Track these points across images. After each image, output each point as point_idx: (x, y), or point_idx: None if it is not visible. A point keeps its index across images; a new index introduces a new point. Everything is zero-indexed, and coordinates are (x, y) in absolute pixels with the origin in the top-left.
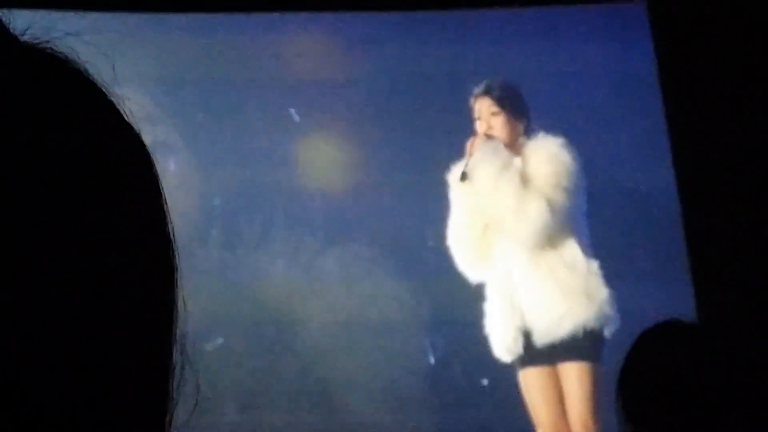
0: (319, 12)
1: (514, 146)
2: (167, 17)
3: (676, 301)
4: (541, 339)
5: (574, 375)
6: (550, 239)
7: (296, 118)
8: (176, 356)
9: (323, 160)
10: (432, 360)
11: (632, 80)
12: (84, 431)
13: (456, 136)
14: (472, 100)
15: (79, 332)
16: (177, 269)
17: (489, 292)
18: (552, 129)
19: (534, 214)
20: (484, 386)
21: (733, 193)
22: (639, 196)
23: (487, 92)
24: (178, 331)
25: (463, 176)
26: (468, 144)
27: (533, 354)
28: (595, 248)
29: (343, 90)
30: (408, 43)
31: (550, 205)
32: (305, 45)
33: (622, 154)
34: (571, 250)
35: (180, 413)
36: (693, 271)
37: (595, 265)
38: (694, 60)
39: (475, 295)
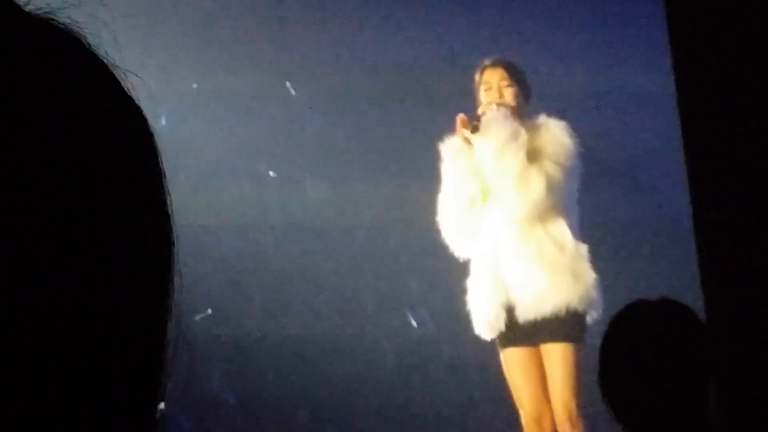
0: None
1: (519, 119)
2: None
3: (682, 285)
4: (523, 315)
5: (556, 355)
6: (543, 216)
7: (292, 92)
8: (171, 328)
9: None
10: (415, 332)
11: (644, 61)
12: (79, 402)
13: (449, 111)
14: (478, 72)
15: (75, 304)
16: (174, 243)
17: (474, 267)
18: (556, 109)
19: (534, 186)
20: (468, 364)
21: (745, 175)
22: (647, 176)
23: (500, 63)
24: (173, 304)
25: (475, 128)
26: (479, 110)
27: (515, 332)
28: (596, 229)
29: (336, 63)
30: (410, 22)
31: (550, 181)
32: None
33: (631, 131)
34: (562, 229)
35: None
36: (700, 258)
37: (584, 248)
38: (709, 42)
39: (460, 270)
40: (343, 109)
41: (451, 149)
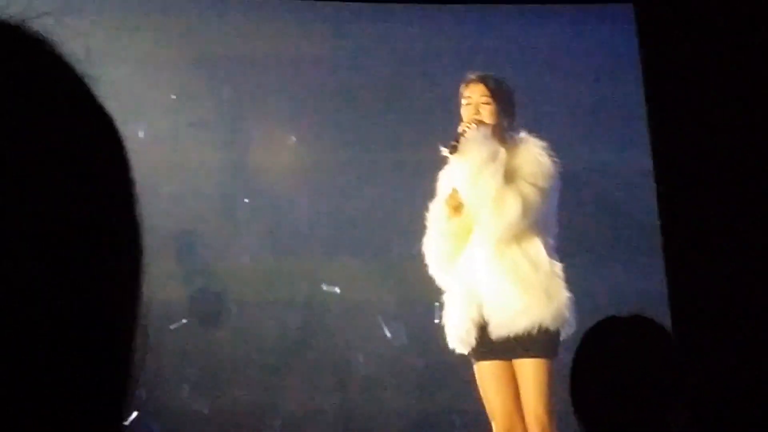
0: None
1: (499, 138)
2: None
3: (650, 295)
4: (496, 332)
5: (529, 370)
6: (519, 236)
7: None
8: (139, 336)
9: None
10: (391, 343)
11: (616, 76)
12: (46, 408)
13: (433, 128)
14: (462, 86)
15: (43, 310)
16: (143, 251)
17: (450, 282)
18: (536, 124)
19: (510, 209)
20: (442, 377)
21: (710, 190)
22: (617, 192)
23: (481, 80)
24: (142, 312)
25: (453, 148)
26: (459, 127)
27: (488, 347)
28: (568, 244)
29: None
30: (392, 34)
31: (526, 203)
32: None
33: (602, 145)
34: (537, 248)
35: (141, 392)
36: (667, 266)
37: (558, 266)
38: (678, 59)
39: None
40: (327, 120)
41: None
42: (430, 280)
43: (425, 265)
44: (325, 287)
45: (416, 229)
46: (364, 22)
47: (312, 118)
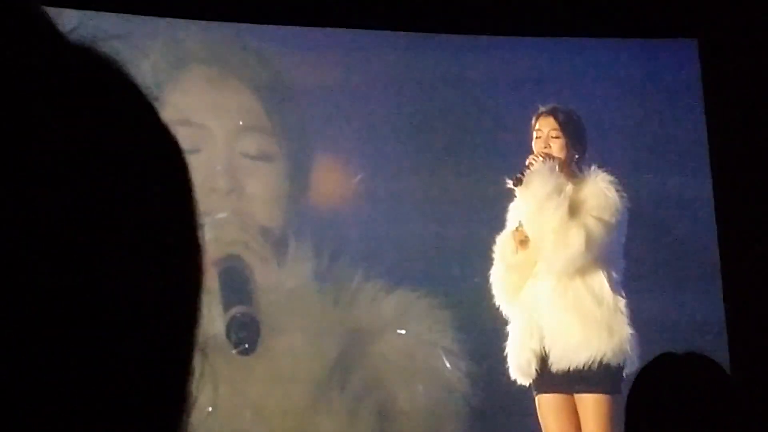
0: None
1: (566, 172)
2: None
3: (709, 326)
4: (557, 364)
5: (590, 405)
6: (583, 269)
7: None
8: (197, 359)
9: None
10: (451, 374)
11: (679, 110)
12: (100, 428)
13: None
14: (534, 119)
15: (104, 330)
16: (204, 272)
17: (514, 313)
18: (599, 156)
19: (573, 243)
20: (503, 409)
21: None
22: (678, 231)
23: (552, 113)
24: (200, 334)
25: (518, 181)
26: (527, 160)
27: (549, 379)
28: (631, 273)
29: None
30: (460, 65)
31: (590, 237)
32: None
33: (665, 182)
34: (601, 282)
35: (196, 414)
36: (726, 297)
37: (622, 302)
38: (740, 94)
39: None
40: (393, 151)
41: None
42: (493, 311)
43: (490, 296)
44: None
45: (479, 260)
46: (433, 52)
47: (377, 149)
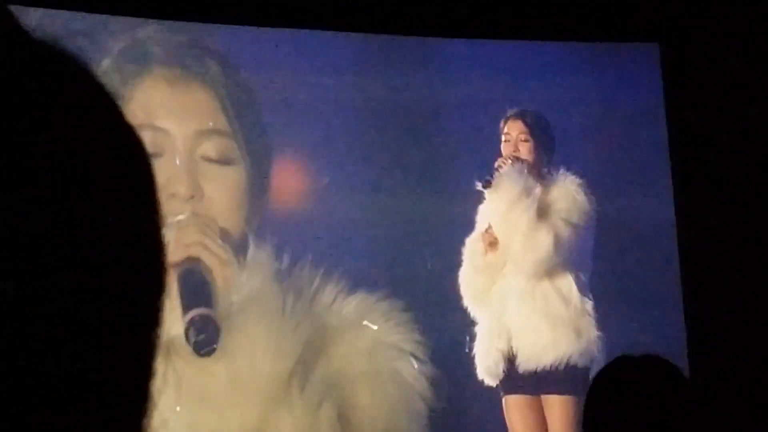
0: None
1: (535, 175)
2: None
3: (668, 338)
4: (524, 366)
5: (556, 406)
6: (551, 271)
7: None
8: (160, 360)
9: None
10: (423, 376)
11: (640, 118)
12: (63, 427)
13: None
14: (502, 122)
15: (65, 329)
16: (166, 271)
17: (480, 314)
18: (563, 162)
19: (541, 244)
20: (471, 408)
21: (731, 237)
22: (639, 230)
23: (520, 116)
24: (162, 335)
25: (487, 184)
26: (496, 163)
27: (517, 380)
28: (593, 284)
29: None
30: (429, 68)
31: (558, 239)
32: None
33: (625, 186)
34: (569, 284)
35: (161, 414)
36: (686, 308)
37: (590, 305)
38: (703, 102)
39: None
40: (354, 147)
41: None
42: (457, 313)
43: (454, 298)
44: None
45: (443, 262)
46: (397, 54)
47: (338, 151)
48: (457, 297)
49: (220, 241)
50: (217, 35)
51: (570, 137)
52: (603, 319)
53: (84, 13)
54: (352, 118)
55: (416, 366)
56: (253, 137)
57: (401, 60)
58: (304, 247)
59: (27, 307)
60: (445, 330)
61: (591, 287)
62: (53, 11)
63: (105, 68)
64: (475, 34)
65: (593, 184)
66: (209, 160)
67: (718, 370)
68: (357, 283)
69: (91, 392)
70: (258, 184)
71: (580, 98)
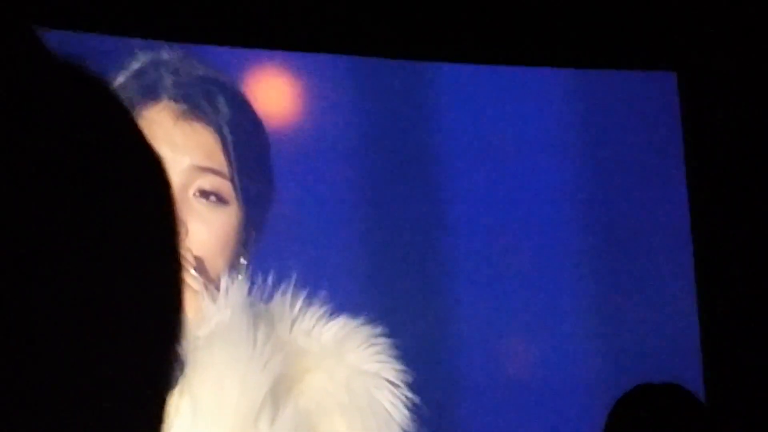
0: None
1: None
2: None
3: (682, 339)
4: None
5: None
6: None
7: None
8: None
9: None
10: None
11: (656, 147)
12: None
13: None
14: None
15: (83, 336)
16: (183, 282)
17: None
18: (573, 192)
19: None
20: None
21: (750, 270)
22: (655, 270)
23: None
24: (181, 341)
25: None
26: None
27: None
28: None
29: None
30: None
31: None
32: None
33: (641, 217)
34: None
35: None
36: (700, 310)
37: None
38: (722, 133)
39: None
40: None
41: None
42: (436, 340)
43: (433, 325)
44: None
45: (422, 290)
46: (399, 78)
47: (321, 175)
48: (433, 326)
49: (194, 271)
50: (231, 58)
51: (584, 162)
52: (615, 320)
53: (101, 35)
54: (335, 145)
55: (395, 394)
56: (254, 180)
57: (404, 85)
58: (280, 275)
59: (49, 314)
60: (423, 360)
61: (603, 289)
62: (69, 33)
63: (116, 86)
64: (482, 60)
65: (605, 217)
66: (201, 197)
67: (733, 372)
68: (335, 309)
69: (106, 400)
70: (250, 228)
71: (597, 125)
